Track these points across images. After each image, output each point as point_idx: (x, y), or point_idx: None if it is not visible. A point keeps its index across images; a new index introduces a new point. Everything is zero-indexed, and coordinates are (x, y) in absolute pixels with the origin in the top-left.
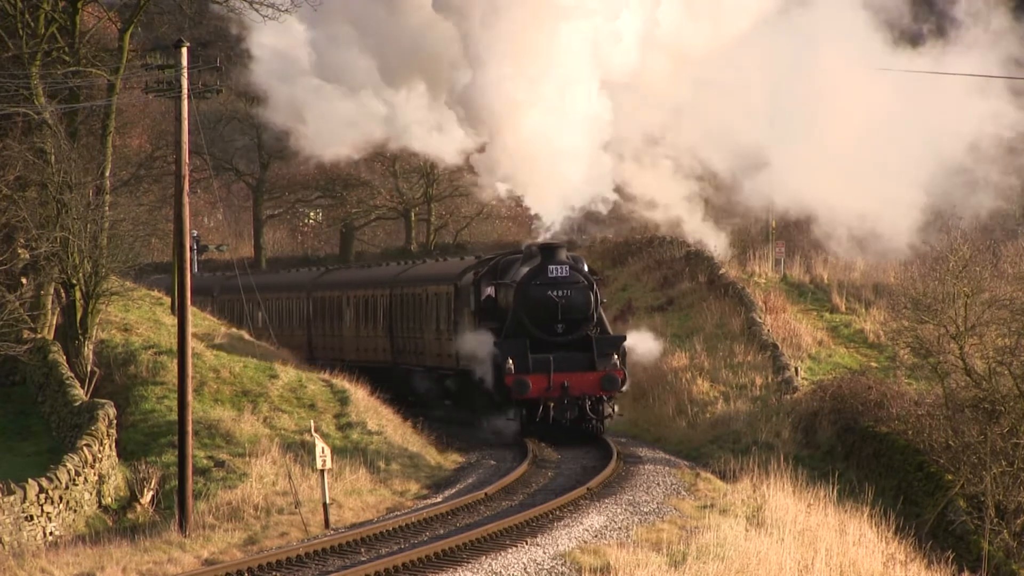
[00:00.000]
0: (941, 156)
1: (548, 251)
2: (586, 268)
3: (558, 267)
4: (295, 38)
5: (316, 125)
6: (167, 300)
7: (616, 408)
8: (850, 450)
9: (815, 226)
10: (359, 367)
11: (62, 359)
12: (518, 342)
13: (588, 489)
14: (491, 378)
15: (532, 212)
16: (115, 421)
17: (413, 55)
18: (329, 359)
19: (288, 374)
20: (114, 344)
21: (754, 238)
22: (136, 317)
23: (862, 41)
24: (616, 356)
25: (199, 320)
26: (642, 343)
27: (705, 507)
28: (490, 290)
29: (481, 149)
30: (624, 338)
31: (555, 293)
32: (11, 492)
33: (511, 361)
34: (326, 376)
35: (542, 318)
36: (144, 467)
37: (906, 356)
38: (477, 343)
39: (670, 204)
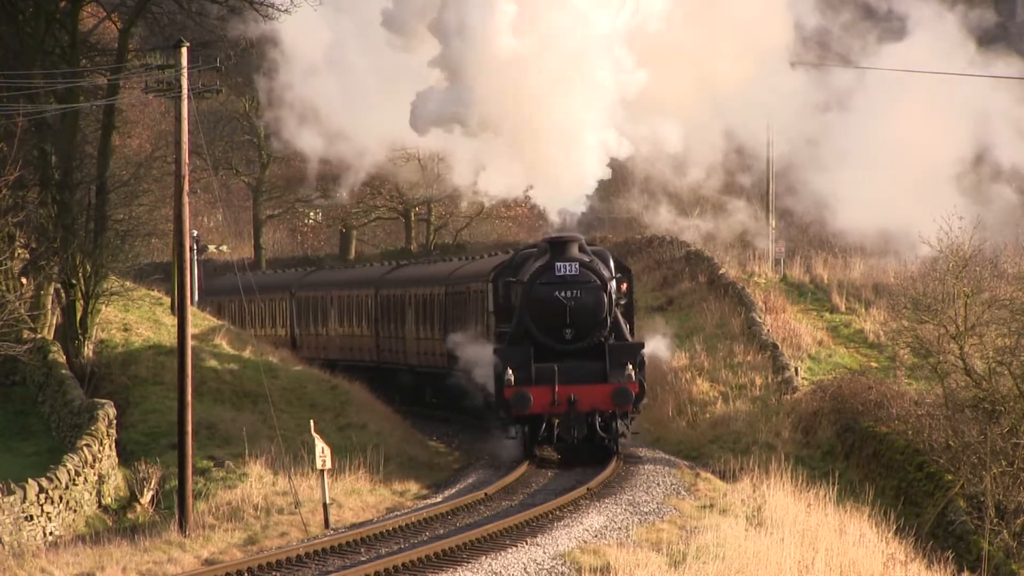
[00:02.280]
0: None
1: (557, 246)
2: (611, 264)
3: (567, 264)
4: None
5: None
6: (167, 300)
7: (631, 425)
8: (850, 450)
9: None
10: (419, 374)
11: (62, 359)
12: (521, 349)
13: (588, 489)
14: (493, 390)
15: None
16: (115, 421)
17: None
18: (394, 364)
19: (288, 374)
20: (114, 344)
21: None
22: (136, 317)
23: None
24: (631, 366)
25: (199, 320)
26: (660, 350)
27: (705, 507)
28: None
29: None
30: (642, 346)
31: (563, 294)
32: (11, 492)
33: (511, 371)
34: (326, 376)
35: (548, 322)
36: (144, 467)
37: (906, 356)
38: (480, 349)
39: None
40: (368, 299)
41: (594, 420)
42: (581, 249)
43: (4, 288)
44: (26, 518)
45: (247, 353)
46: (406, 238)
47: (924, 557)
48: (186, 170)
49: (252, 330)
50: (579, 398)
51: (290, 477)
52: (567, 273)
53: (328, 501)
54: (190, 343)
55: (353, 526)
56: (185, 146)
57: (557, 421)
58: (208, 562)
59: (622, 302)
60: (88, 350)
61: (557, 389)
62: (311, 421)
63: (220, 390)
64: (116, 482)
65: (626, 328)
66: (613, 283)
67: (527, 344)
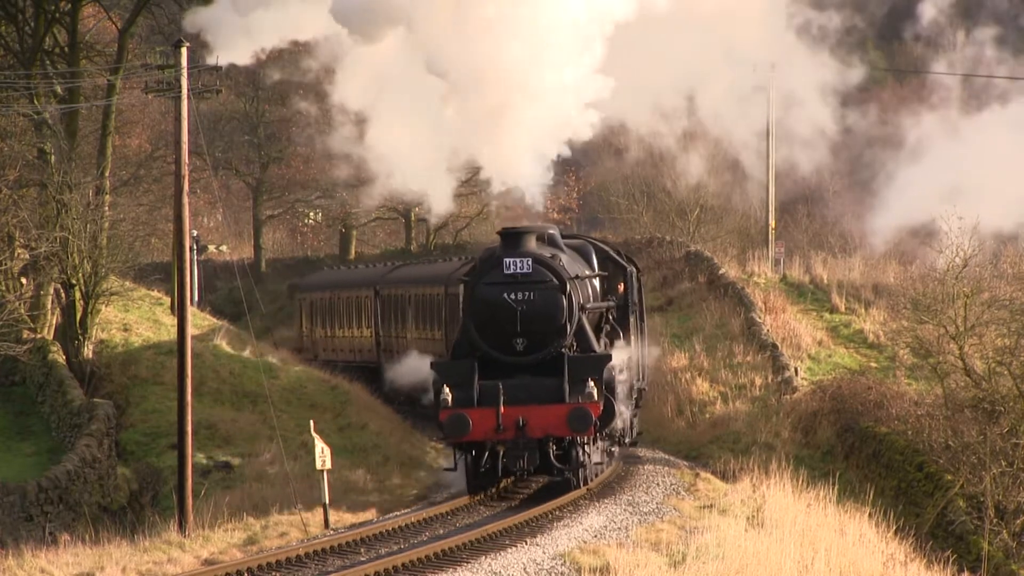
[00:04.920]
0: None
1: (509, 237)
2: (594, 260)
3: (518, 260)
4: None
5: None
6: (167, 300)
7: (601, 450)
8: (850, 450)
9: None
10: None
11: (62, 359)
12: (464, 364)
13: (588, 489)
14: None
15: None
16: (115, 421)
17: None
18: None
19: (288, 374)
20: (114, 344)
21: (753, 238)
22: (136, 317)
23: None
24: (593, 382)
25: (199, 320)
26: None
27: (704, 507)
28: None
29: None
30: (608, 358)
31: (512, 296)
32: (11, 492)
33: (448, 390)
34: (326, 376)
35: (496, 330)
36: (144, 467)
37: (906, 356)
38: (418, 363)
39: None
40: (439, 298)
41: (548, 448)
42: (550, 242)
43: (4, 288)
44: (26, 518)
45: (247, 353)
46: (406, 238)
47: (924, 557)
48: (186, 170)
49: (340, 331)
50: (529, 421)
51: (290, 477)
52: (518, 271)
53: (328, 501)
54: (190, 343)
55: (353, 526)
56: (185, 146)
57: (503, 449)
58: (208, 562)
59: (610, 303)
60: (88, 350)
61: (503, 411)
62: (311, 421)
63: (220, 390)
64: (116, 482)
65: (593, 337)
66: (596, 282)
67: (472, 357)
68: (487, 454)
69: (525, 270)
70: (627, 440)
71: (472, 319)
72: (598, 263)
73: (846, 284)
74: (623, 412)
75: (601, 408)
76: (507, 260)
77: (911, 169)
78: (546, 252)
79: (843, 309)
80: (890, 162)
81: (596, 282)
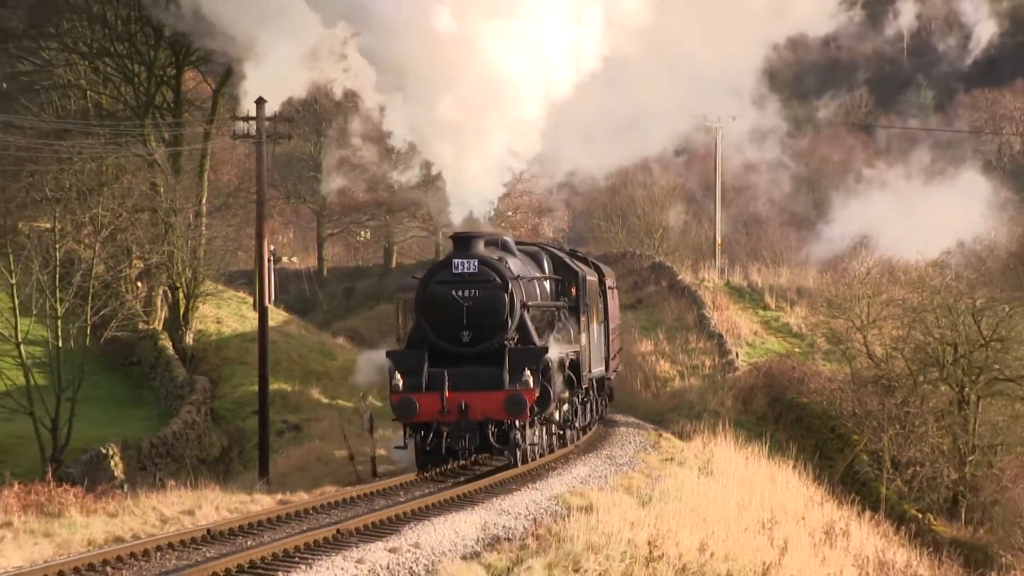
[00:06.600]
0: None
1: (460, 241)
2: (546, 264)
3: (465, 261)
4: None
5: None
6: (250, 299)
7: (547, 433)
8: (778, 416)
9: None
10: None
11: (168, 345)
12: (415, 354)
13: (576, 447)
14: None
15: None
16: (210, 393)
17: None
18: None
19: (344, 356)
20: (209, 333)
21: (704, 252)
22: (226, 312)
23: None
24: (530, 372)
25: (275, 315)
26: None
27: (666, 460)
28: None
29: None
30: (545, 350)
31: (460, 293)
32: (129, 448)
33: (399, 376)
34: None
35: (445, 324)
36: (232, 428)
37: (822, 343)
38: (381, 356)
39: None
40: None
41: (488, 430)
42: (502, 247)
43: (124, 290)
44: (140, 468)
45: (313, 340)
46: (436, 252)
47: (836, 499)
48: (264, 198)
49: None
50: (471, 405)
51: (345, 436)
52: (465, 271)
53: (375, 455)
54: (268, 333)
55: (394, 475)
56: (263, 180)
57: (447, 430)
58: (282, 502)
59: (561, 304)
60: (189, 338)
61: (447, 396)
62: (360, 392)
63: (291, 369)
64: (211, 440)
65: (534, 331)
66: (547, 284)
67: (423, 348)
68: (433, 434)
69: (471, 270)
70: (577, 424)
71: (423, 314)
72: (553, 268)
73: (776, 287)
74: (574, 402)
75: (537, 395)
76: (455, 261)
77: (840, 206)
78: (494, 255)
79: (773, 307)
80: (824, 195)
81: (547, 284)
